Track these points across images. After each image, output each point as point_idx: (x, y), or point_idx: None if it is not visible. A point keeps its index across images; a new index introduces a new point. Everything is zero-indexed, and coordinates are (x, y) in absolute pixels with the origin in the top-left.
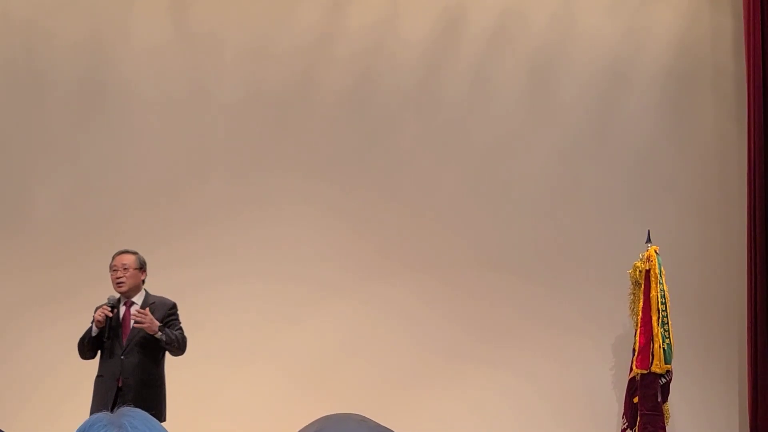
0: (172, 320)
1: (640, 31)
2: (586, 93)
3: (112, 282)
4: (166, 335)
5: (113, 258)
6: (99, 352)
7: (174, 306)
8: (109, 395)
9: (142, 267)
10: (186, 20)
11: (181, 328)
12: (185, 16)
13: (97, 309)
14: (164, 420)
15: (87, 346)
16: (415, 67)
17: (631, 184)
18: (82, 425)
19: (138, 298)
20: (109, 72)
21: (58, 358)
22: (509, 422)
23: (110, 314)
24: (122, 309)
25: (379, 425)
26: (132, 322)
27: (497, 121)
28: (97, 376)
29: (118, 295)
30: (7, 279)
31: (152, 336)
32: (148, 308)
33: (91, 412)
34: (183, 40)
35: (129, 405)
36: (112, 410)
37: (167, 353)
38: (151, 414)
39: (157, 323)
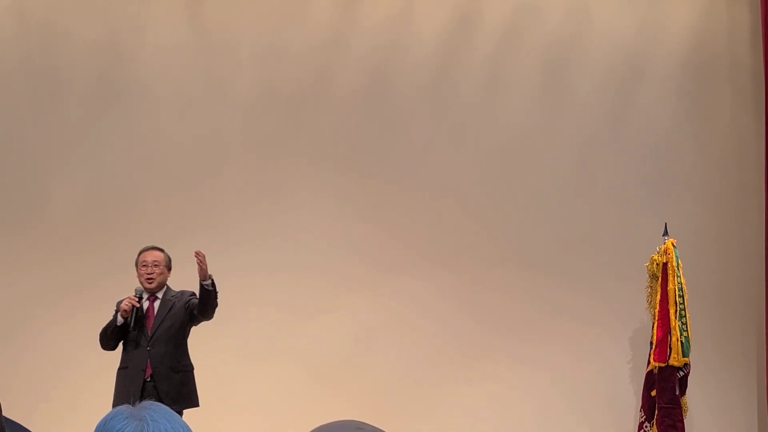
0: (193, 299)
1: (655, 25)
2: (602, 87)
3: (140, 277)
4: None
5: (142, 253)
6: (121, 343)
7: (194, 293)
8: (135, 386)
9: (169, 265)
10: (201, 18)
11: None
12: (200, 14)
13: (119, 302)
14: (197, 405)
15: (110, 336)
16: (430, 63)
17: (648, 177)
18: (103, 418)
19: (160, 293)
20: (124, 69)
21: (76, 350)
22: (527, 415)
23: (137, 304)
24: (145, 303)
25: (377, 429)
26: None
27: (513, 116)
28: (121, 368)
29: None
30: (25, 272)
31: (177, 324)
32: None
33: (114, 404)
34: (198, 37)
35: (162, 396)
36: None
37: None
38: (185, 400)
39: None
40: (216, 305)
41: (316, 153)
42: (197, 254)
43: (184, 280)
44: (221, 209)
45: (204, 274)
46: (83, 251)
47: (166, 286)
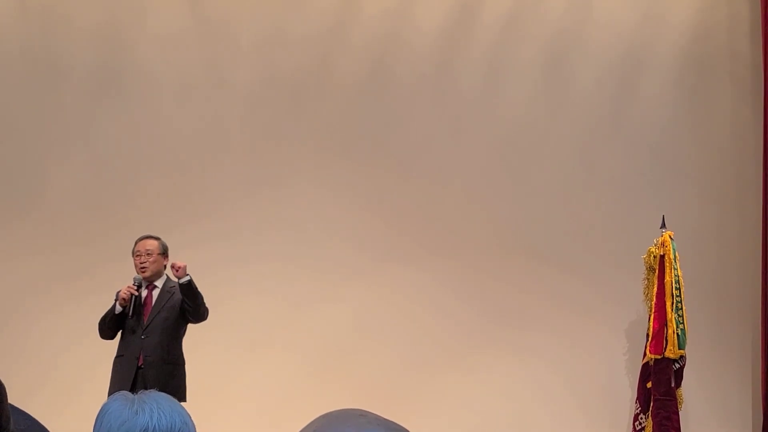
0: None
1: (656, 18)
2: (603, 79)
3: (136, 267)
4: (192, 283)
5: (136, 243)
6: (119, 332)
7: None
8: (129, 374)
9: (164, 252)
10: (202, 5)
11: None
12: (201, 1)
13: (118, 292)
14: (185, 400)
15: (108, 325)
16: (431, 53)
17: (647, 169)
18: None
19: (159, 282)
20: (125, 57)
21: (74, 338)
22: (523, 405)
23: (136, 292)
24: (144, 292)
25: (380, 417)
26: (174, 271)
27: (513, 107)
28: (117, 356)
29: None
30: (23, 260)
31: (173, 317)
32: (174, 286)
33: (110, 391)
34: (199, 25)
35: (149, 384)
36: (132, 389)
37: (185, 337)
38: (172, 393)
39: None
40: (200, 306)
41: (316, 142)
42: (173, 267)
43: None
44: (220, 198)
45: (182, 274)
46: (82, 239)
47: (165, 275)
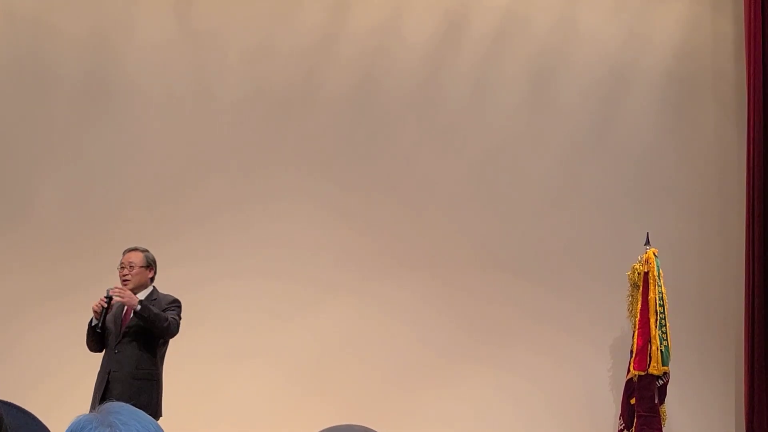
0: (169, 309)
1: (641, 36)
2: (588, 96)
3: (120, 279)
4: (145, 310)
5: (122, 255)
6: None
7: (175, 300)
8: (100, 388)
9: (149, 265)
10: (190, 18)
11: (176, 317)
12: (189, 14)
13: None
14: (160, 416)
15: (89, 338)
16: (418, 69)
17: (631, 186)
18: (69, 427)
19: (142, 295)
20: (113, 69)
21: (61, 353)
22: (507, 422)
23: (105, 305)
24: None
25: None
26: (116, 298)
27: (499, 123)
28: (99, 369)
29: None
30: (11, 274)
31: (147, 330)
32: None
33: (92, 405)
34: (187, 37)
35: (115, 399)
36: (100, 402)
37: (166, 353)
38: (144, 410)
39: (137, 299)
40: (163, 327)
41: (302, 156)
42: (113, 291)
43: (169, 284)
44: (207, 211)
45: (130, 305)
46: (68, 254)
47: (152, 288)
